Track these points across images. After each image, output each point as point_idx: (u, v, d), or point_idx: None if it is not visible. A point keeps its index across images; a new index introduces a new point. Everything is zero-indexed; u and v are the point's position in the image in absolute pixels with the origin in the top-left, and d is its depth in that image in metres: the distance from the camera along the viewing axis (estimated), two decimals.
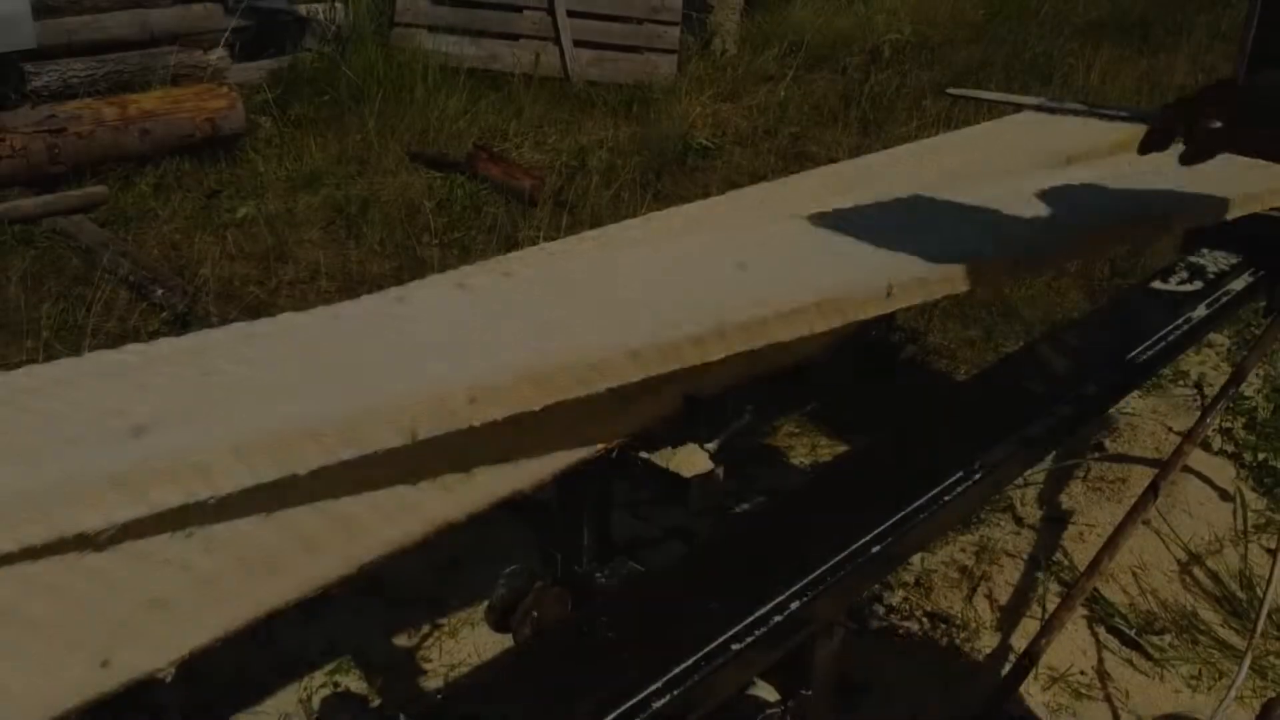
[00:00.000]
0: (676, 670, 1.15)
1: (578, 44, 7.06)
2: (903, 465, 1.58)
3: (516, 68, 6.83)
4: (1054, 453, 3.29)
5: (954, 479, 1.54)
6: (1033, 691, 2.38)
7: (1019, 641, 2.48)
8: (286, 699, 2.38)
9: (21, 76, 5.31)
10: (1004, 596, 2.67)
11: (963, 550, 2.86)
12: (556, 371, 1.15)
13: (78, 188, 4.79)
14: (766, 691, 1.47)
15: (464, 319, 1.27)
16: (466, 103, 6.25)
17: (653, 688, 1.12)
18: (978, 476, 1.56)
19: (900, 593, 2.66)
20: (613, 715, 1.08)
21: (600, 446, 1.48)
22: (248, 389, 1.09)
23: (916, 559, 2.79)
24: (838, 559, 1.34)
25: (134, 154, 5.03)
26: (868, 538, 1.39)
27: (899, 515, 1.44)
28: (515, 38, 6.99)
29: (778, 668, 1.42)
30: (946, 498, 1.50)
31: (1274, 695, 2.20)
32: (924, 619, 2.59)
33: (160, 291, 3.94)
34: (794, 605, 1.27)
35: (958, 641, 2.51)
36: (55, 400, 1.06)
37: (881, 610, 2.61)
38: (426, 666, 2.50)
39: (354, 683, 2.43)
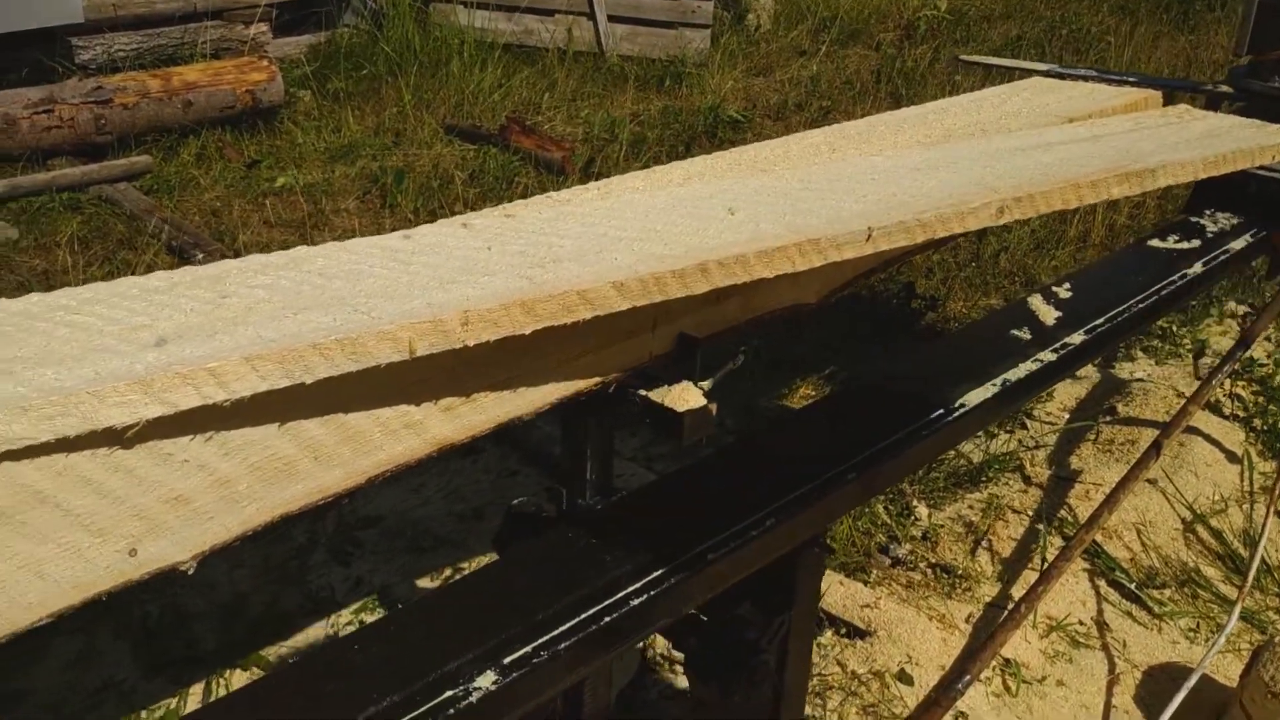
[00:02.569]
0: (652, 575, 1.24)
1: (612, 19, 7.13)
2: (887, 402, 1.67)
3: (551, 42, 6.92)
4: (1066, 418, 3.36)
5: (935, 415, 1.61)
6: (1030, 639, 2.46)
7: (1019, 592, 2.55)
8: (315, 634, 2.50)
9: (69, 50, 5.48)
10: (1007, 550, 2.74)
11: (970, 507, 2.93)
12: (545, 299, 1.24)
13: (123, 157, 4.95)
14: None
15: (464, 253, 1.37)
16: (501, 77, 6.35)
17: (630, 588, 1.22)
18: (958, 414, 1.64)
19: (907, 545, 2.74)
20: (593, 610, 1.18)
21: (597, 380, 1.57)
22: (260, 310, 1.19)
23: (924, 514, 2.87)
24: (816, 483, 1.43)
25: (177, 125, 5.18)
26: (845, 465, 1.47)
27: (878, 446, 1.53)
28: (550, 13, 7.07)
29: (761, 590, 1.51)
30: (925, 433, 1.58)
31: (1262, 642, 2.26)
32: (928, 570, 2.67)
33: (201, 256, 4.07)
34: (770, 522, 1.36)
35: (959, 591, 2.58)
36: (88, 316, 1.17)
37: (887, 562, 2.69)
38: None
39: None
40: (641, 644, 2.38)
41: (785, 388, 3.48)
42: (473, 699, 1.05)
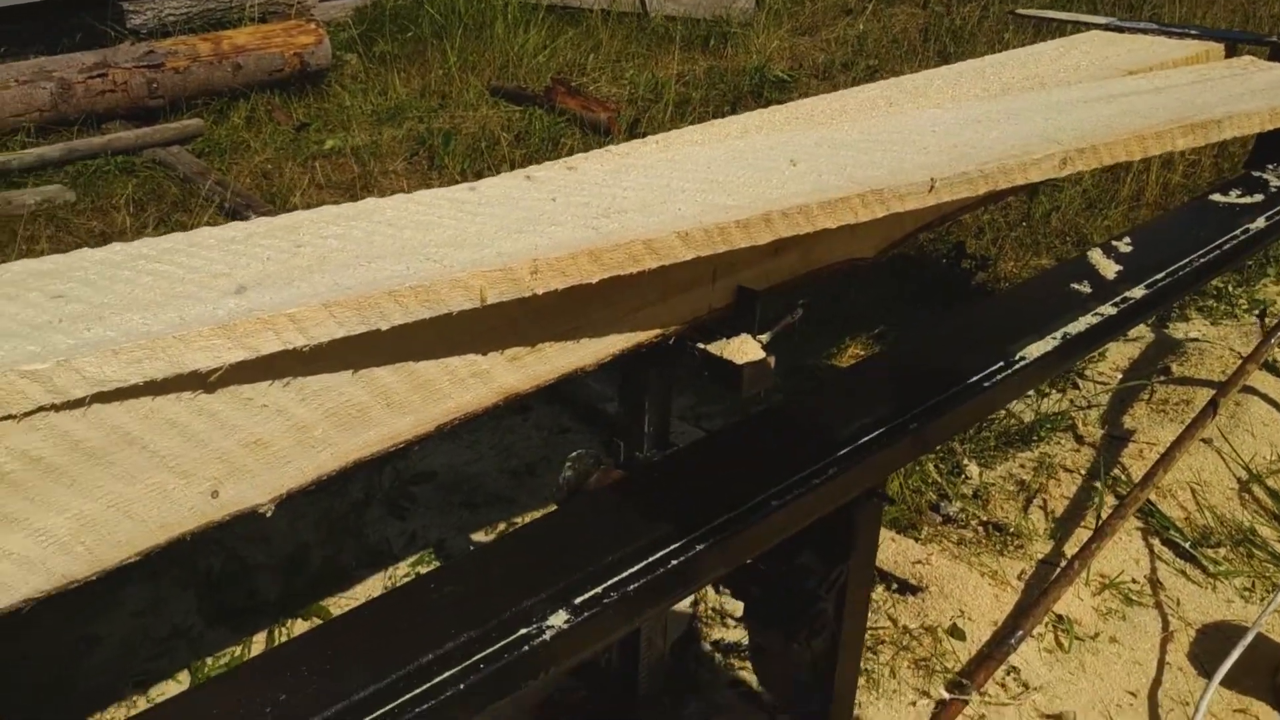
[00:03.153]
0: (718, 521, 1.26)
1: None
2: (947, 354, 1.67)
3: (594, 3, 6.89)
4: (1118, 378, 3.33)
5: (995, 367, 1.62)
6: (1083, 596, 2.46)
7: (1071, 550, 2.55)
8: (372, 587, 2.56)
9: (121, 14, 5.53)
10: (1059, 508, 2.74)
11: (1021, 466, 2.92)
12: (612, 248, 1.25)
13: (174, 120, 5.00)
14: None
15: (529, 204, 1.38)
16: (545, 38, 6.34)
17: (696, 533, 1.23)
18: (1018, 366, 1.64)
19: (958, 503, 2.74)
20: (660, 553, 1.20)
21: (657, 332, 1.59)
22: (335, 258, 1.22)
23: (975, 472, 2.87)
24: (878, 432, 1.44)
25: (226, 88, 5.23)
26: (906, 416, 1.48)
27: (939, 397, 1.53)
28: None
29: (821, 540, 1.53)
30: (985, 384, 1.59)
31: None
32: (979, 528, 2.67)
33: (254, 217, 4.12)
34: (831, 471, 1.37)
35: (1011, 548, 2.59)
36: (168, 265, 1.20)
37: (938, 519, 2.69)
38: None
39: None
40: (693, 598, 2.41)
41: (834, 347, 3.48)
42: (546, 637, 1.07)
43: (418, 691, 0.99)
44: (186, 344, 1.04)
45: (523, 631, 1.07)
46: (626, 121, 5.31)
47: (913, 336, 1.84)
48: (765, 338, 1.68)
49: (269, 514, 1.24)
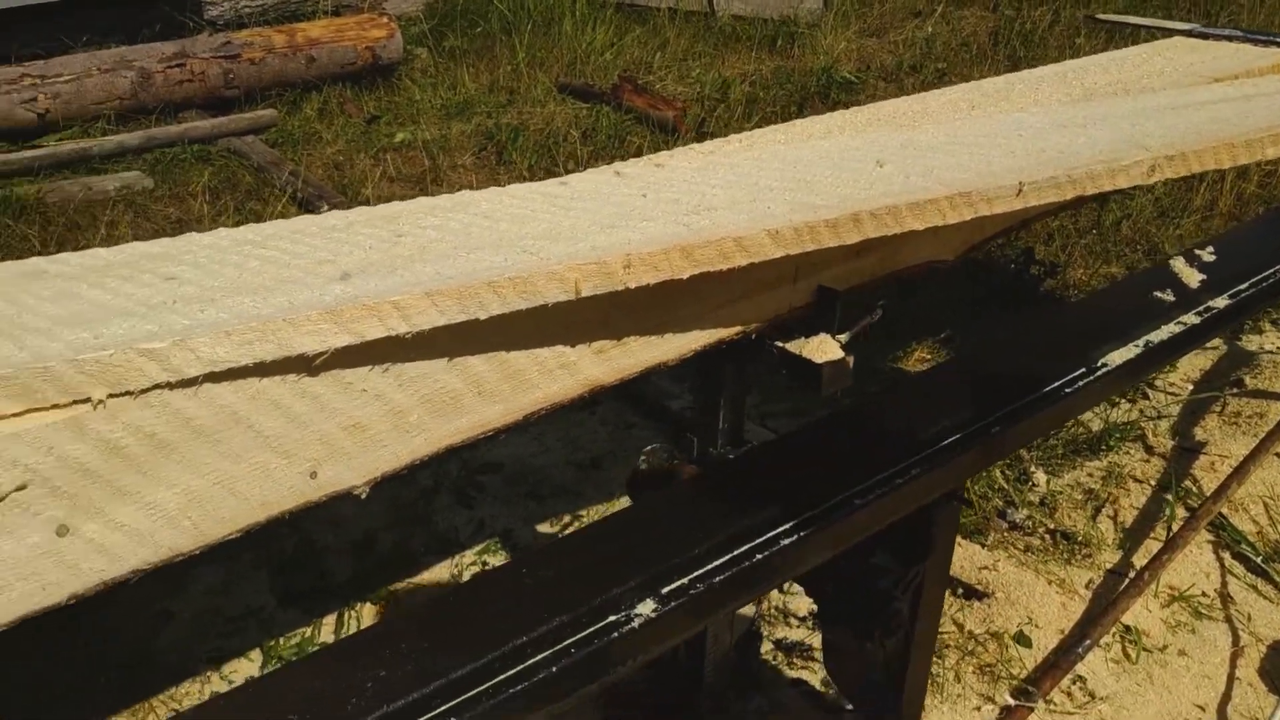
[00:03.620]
0: (802, 517, 1.27)
1: None
2: (1028, 358, 1.66)
3: (662, 2, 6.90)
4: (1189, 389, 3.29)
5: (1076, 373, 1.61)
6: (1151, 608, 2.43)
7: (1140, 561, 2.52)
8: (440, 573, 2.59)
9: (199, 6, 5.65)
10: (1129, 519, 2.71)
11: (1089, 475, 2.89)
12: (703, 245, 1.27)
13: (249, 111, 5.10)
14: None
15: (620, 199, 1.40)
16: (612, 36, 6.37)
17: (780, 529, 1.25)
18: (1100, 373, 1.63)
19: (1025, 510, 2.72)
20: (746, 547, 1.21)
21: (738, 329, 1.60)
22: (434, 248, 1.25)
23: (1042, 480, 2.84)
24: (960, 434, 1.44)
25: (299, 80, 5.31)
26: (988, 419, 1.48)
27: (1021, 401, 1.53)
28: None
29: (898, 541, 1.53)
30: (1067, 390, 1.58)
31: None
32: (1046, 536, 2.65)
33: (326, 208, 4.19)
34: (914, 472, 1.37)
35: (1079, 557, 2.57)
36: (273, 250, 1.23)
37: (1004, 526, 2.68)
38: None
39: (501, 563, 2.63)
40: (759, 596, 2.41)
41: (900, 350, 3.47)
42: (634, 624, 1.09)
43: (512, 673, 1.01)
44: (295, 328, 1.07)
45: (612, 618, 1.09)
46: (693, 120, 5.32)
47: (992, 340, 1.84)
48: (844, 338, 1.69)
49: (363, 496, 1.27)
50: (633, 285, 1.25)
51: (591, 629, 1.07)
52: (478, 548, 2.67)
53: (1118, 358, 1.67)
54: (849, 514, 1.29)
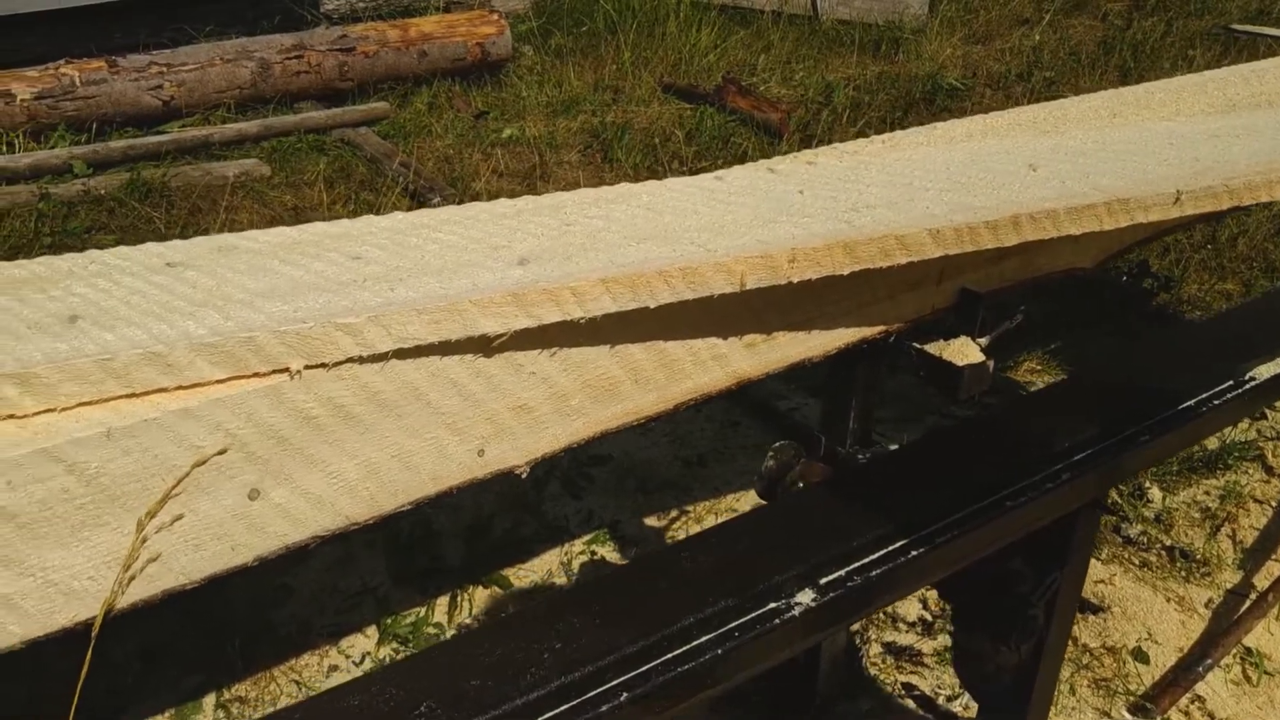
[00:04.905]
0: (956, 516, 1.28)
1: None
2: (1174, 367, 1.65)
3: (766, 5, 6.90)
4: None
5: (1223, 385, 1.59)
6: (1274, 630, 2.38)
7: (1263, 582, 2.47)
8: (550, 560, 2.64)
9: (315, 0, 5.79)
10: (1248, 539, 2.66)
11: (1206, 493, 2.84)
12: (866, 241, 1.28)
13: (361, 103, 5.21)
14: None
15: (778, 195, 1.42)
16: (716, 38, 6.39)
17: (934, 527, 1.25)
18: (1248, 386, 1.61)
19: (1139, 526, 2.68)
20: (901, 543, 1.22)
21: (881, 328, 1.61)
22: (603, 238, 1.28)
23: (1158, 496, 2.80)
24: (1110, 441, 1.43)
25: (411, 74, 5.42)
26: (1138, 426, 1.47)
27: (1170, 411, 1.52)
28: None
29: (1036, 547, 1.53)
30: (1215, 401, 1.56)
31: None
32: (1162, 552, 2.61)
33: (438, 200, 4.27)
34: (1065, 476, 1.37)
35: (1197, 575, 2.52)
36: (449, 234, 1.28)
37: (1119, 540, 2.64)
38: None
39: (609, 553, 2.67)
40: None
41: (1009, 360, 3.44)
42: (794, 613, 1.11)
43: (680, 651, 1.04)
44: (481, 309, 1.11)
45: (773, 605, 1.11)
46: (797, 123, 5.32)
47: (1133, 350, 1.82)
48: (984, 341, 1.69)
49: (524, 475, 1.31)
50: (795, 280, 1.27)
51: (755, 613, 1.09)
52: (586, 537, 2.71)
53: (1265, 371, 1.64)
54: (1000, 516, 1.29)
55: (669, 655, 1.03)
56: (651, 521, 2.79)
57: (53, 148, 4.53)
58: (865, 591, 1.17)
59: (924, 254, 1.33)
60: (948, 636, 2.37)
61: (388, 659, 2.40)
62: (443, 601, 2.54)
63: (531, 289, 1.13)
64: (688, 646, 1.04)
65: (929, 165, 1.56)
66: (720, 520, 2.82)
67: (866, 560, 1.19)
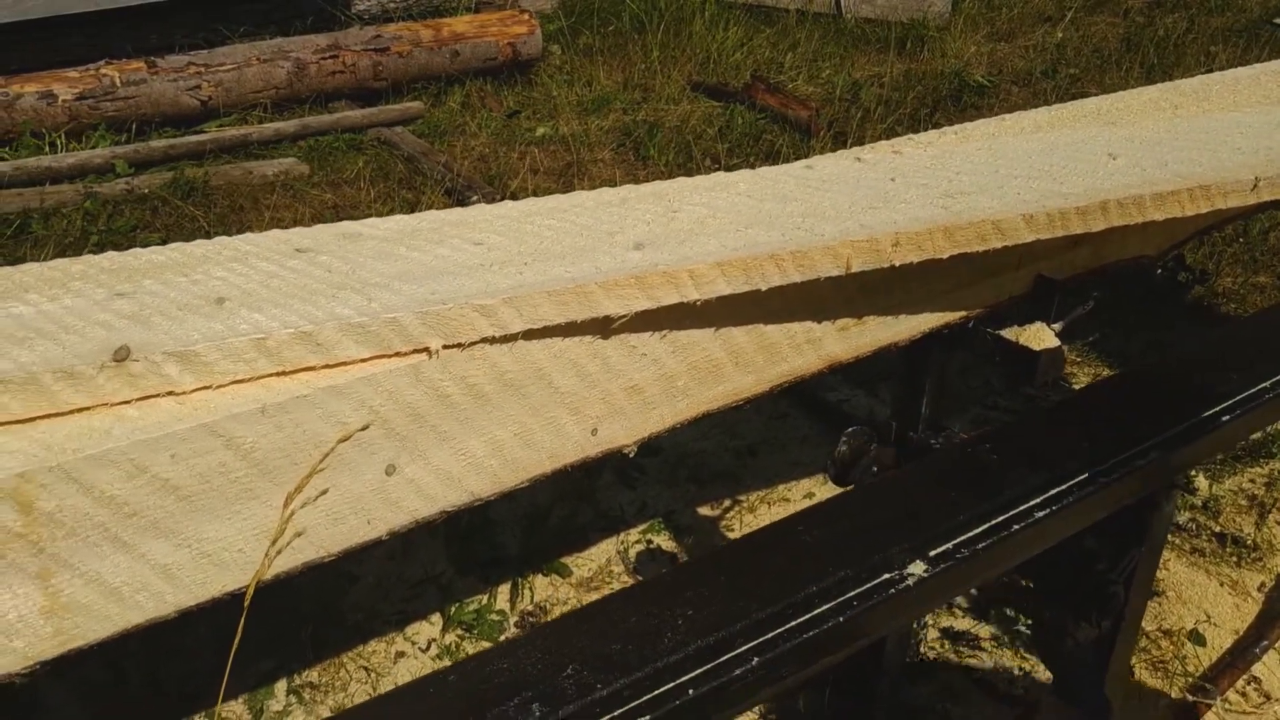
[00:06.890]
0: (1053, 491, 1.32)
1: None
2: (1250, 355, 1.68)
3: (790, 3, 6.94)
4: None
5: None
6: None
7: None
8: (607, 549, 2.68)
9: (347, 0, 5.84)
10: None
11: (1251, 481, 2.87)
12: (964, 226, 1.33)
13: (395, 102, 5.26)
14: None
15: (870, 183, 1.46)
16: (742, 36, 6.43)
17: (1034, 501, 1.29)
18: None
19: (1187, 514, 2.72)
20: (1003, 518, 1.26)
21: (961, 313, 1.65)
22: (710, 224, 1.32)
23: (1204, 484, 2.83)
24: (1193, 420, 1.47)
25: (443, 73, 5.47)
26: (1219, 408, 1.51)
27: (1244, 394, 1.55)
28: None
29: (1117, 525, 1.57)
30: None
31: None
32: (1212, 538, 2.64)
33: (475, 198, 4.32)
34: (1154, 454, 1.41)
35: (1249, 560, 2.56)
36: (561, 221, 1.32)
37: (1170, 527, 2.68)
38: (729, 535, 2.75)
39: (665, 542, 2.71)
40: None
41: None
42: (908, 583, 1.15)
43: (804, 619, 1.08)
44: (606, 291, 1.16)
45: (887, 576, 1.15)
46: (826, 120, 5.35)
47: (1208, 337, 1.85)
48: (1058, 327, 1.73)
49: (632, 454, 1.36)
50: (898, 263, 1.31)
51: (870, 584, 1.13)
52: (641, 526, 2.75)
53: None
54: (1094, 493, 1.33)
55: (794, 623, 1.07)
56: (705, 511, 2.83)
57: (94, 148, 4.59)
58: (972, 564, 1.21)
59: (1018, 239, 1.37)
60: (1002, 622, 2.42)
61: (453, 646, 2.44)
62: (504, 589, 2.58)
63: (652, 272, 1.18)
64: (811, 614, 1.08)
65: (1010, 154, 1.60)
66: (772, 509, 2.86)
67: (972, 534, 1.23)
